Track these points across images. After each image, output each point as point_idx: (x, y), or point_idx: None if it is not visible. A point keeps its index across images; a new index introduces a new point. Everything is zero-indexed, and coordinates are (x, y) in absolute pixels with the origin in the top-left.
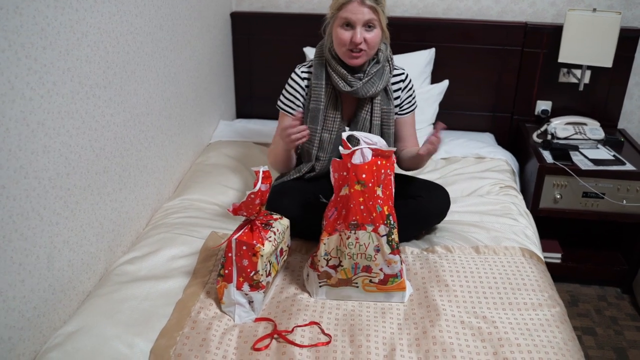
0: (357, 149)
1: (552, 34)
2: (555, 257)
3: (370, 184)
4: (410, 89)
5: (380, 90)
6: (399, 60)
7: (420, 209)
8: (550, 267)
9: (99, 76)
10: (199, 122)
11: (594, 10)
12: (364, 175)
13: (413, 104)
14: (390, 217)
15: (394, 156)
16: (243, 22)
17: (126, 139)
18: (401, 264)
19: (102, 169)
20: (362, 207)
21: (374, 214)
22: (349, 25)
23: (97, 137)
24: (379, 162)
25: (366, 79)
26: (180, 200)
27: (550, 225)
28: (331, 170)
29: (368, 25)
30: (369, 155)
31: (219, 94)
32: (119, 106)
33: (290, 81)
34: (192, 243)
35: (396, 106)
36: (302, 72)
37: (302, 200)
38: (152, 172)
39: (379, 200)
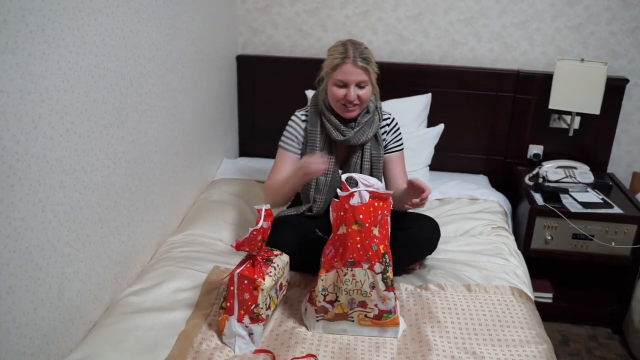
0: (354, 191)
1: (543, 82)
2: (547, 296)
3: (367, 224)
4: (396, 130)
5: (371, 137)
6: (397, 104)
7: (410, 239)
8: (542, 306)
9: (113, 116)
10: (203, 160)
11: (582, 60)
12: (361, 216)
13: (399, 144)
14: (386, 255)
15: (390, 199)
16: (248, 65)
17: (135, 175)
18: (395, 301)
19: (112, 204)
20: (358, 245)
21: (370, 253)
22: (343, 84)
23: (109, 174)
24: (375, 204)
25: (357, 128)
26: (184, 235)
27: (542, 266)
28: (331, 210)
29: (360, 85)
30: (366, 196)
31: (223, 133)
32: (130, 144)
33: (291, 123)
34: (195, 276)
35: (384, 147)
36: (301, 115)
37: (301, 235)
38: (158, 208)
39: (375, 240)
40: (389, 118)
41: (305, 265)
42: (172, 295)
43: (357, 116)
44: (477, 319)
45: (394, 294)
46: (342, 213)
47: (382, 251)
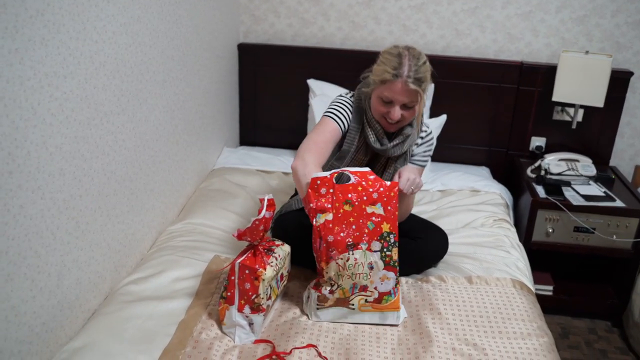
0: (334, 172)
1: (546, 74)
2: (547, 289)
3: (357, 203)
4: (430, 145)
5: (405, 151)
6: None
7: (418, 250)
8: (542, 299)
9: (113, 103)
10: (204, 149)
11: (587, 52)
12: (349, 195)
13: (425, 159)
14: (392, 235)
15: (373, 175)
16: (250, 54)
17: (135, 163)
18: (396, 281)
19: (112, 192)
20: (353, 226)
21: (366, 231)
22: (389, 101)
23: (109, 162)
24: (363, 183)
25: (397, 142)
26: (185, 224)
27: (543, 258)
28: (304, 204)
29: (407, 105)
30: (352, 178)
31: (224, 121)
32: (131, 132)
33: (341, 101)
34: (195, 266)
35: (411, 156)
36: (350, 98)
37: (304, 229)
38: (158, 196)
39: (373, 218)
40: (426, 132)
41: (307, 259)
42: (172, 285)
43: (399, 130)
44: (478, 311)
45: (395, 274)
46: (317, 201)
47: (386, 230)
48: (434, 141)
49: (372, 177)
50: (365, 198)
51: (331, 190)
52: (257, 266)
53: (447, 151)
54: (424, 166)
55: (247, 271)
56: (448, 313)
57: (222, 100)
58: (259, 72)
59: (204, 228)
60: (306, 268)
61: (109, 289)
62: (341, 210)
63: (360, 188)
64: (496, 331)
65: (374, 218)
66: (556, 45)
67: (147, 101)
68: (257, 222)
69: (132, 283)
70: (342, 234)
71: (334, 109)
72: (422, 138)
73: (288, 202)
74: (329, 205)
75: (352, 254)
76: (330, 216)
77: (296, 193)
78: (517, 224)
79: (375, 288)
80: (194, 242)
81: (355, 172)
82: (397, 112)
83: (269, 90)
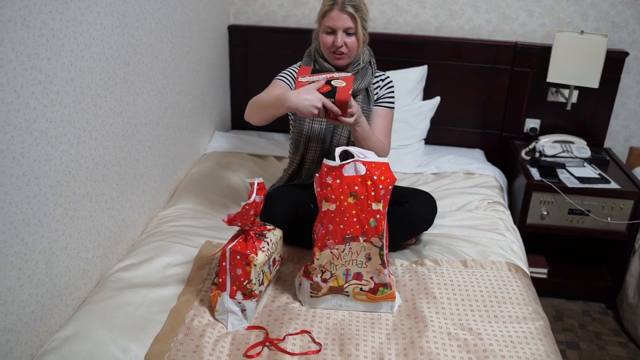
0: (346, 163)
1: (541, 54)
2: (542, 272)
3: (362, 197)
4: (390, 87)
5: (362, 89)
6: (392, 76)
7: (406, 214)
8: (536, 282)
9: (100, 87)
10: (194, 133)
11: (582, 32)
12: (356, 188)
13: (390, 102)
14: (384, 235)
15: (391, 171)
16: (240, 35)
17: (124, 148)
18: (389, 277)
19: (101, 177)
20: (355, 219)
21: (366, 227)
22: (332, 31)
23: (96, 146)
24: (374, 177)
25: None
26: (175, 209)
27: (537, 241)
28: (314, 184)
29: (348, 32)
30: (362, 169)
31: (215, 105)
32: (119, 116)
33: (289, 68)
34: (186, 251)
35: (375, 101)
36: (296, 64)
37: (294, 208)
38: (148, 181)
39: (377, 215)
40: (383, 74)
41: (299, 239)
42: (163, 271)
43: (348, 65)
44: (473, 294)
45: (388, 271)
46: (323, 189)
47: (383, 228)
48: (393, 85)
49: (384, 168)
50: (373, 194)
51: (338, 181)
52: (248, 251)
53: (440, 133)
54: (392, 108)
55: (238, 257)
56: (443, 297)
57: (212, 83)
58: (249, 55)
59: (195, 213)
60: (299, 248)
61: (99, 276)
62: (345, 203)
63: (369, 182)
64: (492, 315)
65: (377, 216)
66: (551, 25)
67: (135, 84)
68: (247, 207)
69: (122, 270)
70: (341, 226)
71: (282, 73)
72: (382, 80)
73: (277, 182)
74: (334, 197)
75: (349, 245)
76: (333, 207)
77: (288, 177)
78: (511, 207)
79: (372, 278)
80: (185, 227)
81: (340, 77)
82: (339, 37)
83: (260, 73)
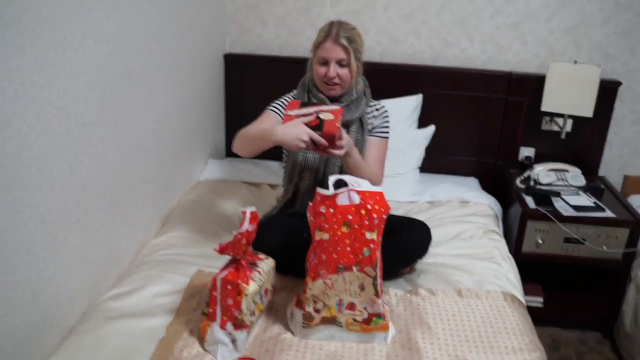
0: (340, 192)
1: (535, 84)
2: (537, 300)
3: (356, 226)
4: (385, 117)
5: (356, 119)
6: (387, 104)
7: (401, 242)
8: (532, 311)
9: (93, 114)
10: (188, 160)
11: (576, 62)
12: (350, 217)
13: (385, 132)
14: (378, 266)
15: (384, 199)
16: (236, 64)
17: (117, 175)
18: (383, 307)
19: (92, 206)
20: (348, 249)
21: (360, 256)
22: (325, 62)
23: (89, 174)
24: (369, 206)
25: (342, 105)
26: (167, 237)
27: (533, 269)
28: (307, 213)
29: (341, 63)
30: (356, 198)
31: (210, 132)
32: (112, 144)
33: (281, 98)
34: (177, 281)
35: (369, 130)
36: (290, 94)
37: (288, 237)
38: (140, 209)
39: (371, 245)
40: (378, 104)
41: (292, 268)
42: (153, 300)
43: (342, 96)
44: (468, 325)
45: (382, 301)
46: (316, 218)
47: (376, 258)
48: (388, 115)
49: (378, 197)
50: (367, 223)
51: (331, 210)
52: (239, 281)
53: (435, 162)
54: (386, 137)
55: (229, 286)
56: (438, 327)
57: (207, 111)
58: (245, 83)
59: (186, 241)
60: (292, 277)
61: (87, 305)
62: (338, 232)
63: (363, 212)
64: (487, 346)
65: (371, 245)
66: (545, 55)
67: (130, 112)
68: (239, 236)
69: (111, 299)
70: (335, 255)
71: (274, 103)
72: (377, 110)
73: (271, 211)
74: (327, 226)
75: (342, 275)
76: (326, 236)
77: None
78: (506, 235)
79: (365, 308)
80: (177, 255)
81: (328, 110)
82: (332, 68)
83: (255, 101)
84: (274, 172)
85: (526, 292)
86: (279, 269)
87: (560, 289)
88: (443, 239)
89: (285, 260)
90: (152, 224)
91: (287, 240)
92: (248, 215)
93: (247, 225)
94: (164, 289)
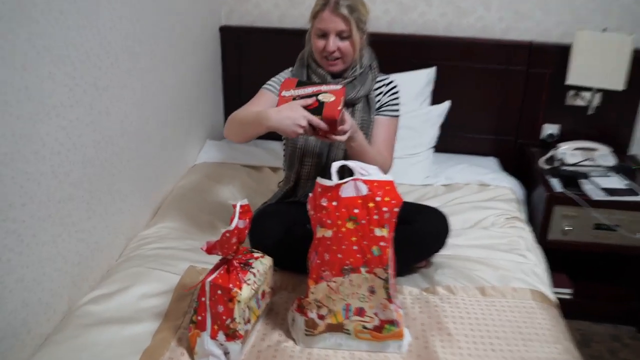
0: (344, 182)
1: (559, 54)
2: (565, 292)
3: (363, 222)
4: (395, 93)
5: (362, 97)
6: (397, 79)
7: (416, 234)
8: (560, 303)
9: (63, 95)
10: (182, 143)
11: (604, 30)
12: (356, 211)
13: (395, 110)
14: (390, 265)
15: (397, 190)
16: (233, 37)
17: (96, 162)
18: (396, 312)
19: (67, 197)
20: (355, 247)
21: (368, 256)
22: (323, 34)
23: (60, 162)
24: (377, 198)
25: (346, 81)
26: (158, 228)
27: (559, 258)
28: (308, 206)
29: (341, 35)
30: (363, 189)
31: (207, 112)
32: (88, 127)
33: (279, 75)
34: (166, 279)
35: (377, 109)
36: (288, 70)
37: (288, 227)
38: (126, 198)
39: (381, 243)
40: (387, 78)
41: (294, 263)
42: (138, 303)
43: (344, 71)
44: (494, 331)
45: (395, 305)
46: (317, 212)
47: (388, 257)
48: (399, 91)
49: (388, 187)
50: (376, 217)
51: (334, 204)
52: (230, 285)
53: (451, 140)
54: (396, 116)
55: (219, 291)
56: (459, 334)
57: (203, 88)
58: (243, 57)
59: (179, 233)
60: (294, 274)
61: (66, 308)
62: (343, 229)
63: (371, 204)
64: (517, 356)
65: (381, 243)
66: (569, 23)
67: (108, 91)
68: (228, 234)
69: (92, 302)
70: (339, 255)
71: (270, 81)
72: (385, 85)
73: (270, 200)
74: (330, 222)
75: (348, 277)
76: (329, 233)
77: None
78: (530, 221)
79: (376, 314)
80: (167, 250)
81: (328, 91)
82: (332, 41)
83: (255, 77)
84: (276, 154)
85: (553, 283)
86: (280, 264)
87: (590, 279)
88: (461, 227)
89: (286, 254)
90: (142, 214)
91: (288, 232)
92: (238, 209)
93: (237, 221)
94: (151, 289)
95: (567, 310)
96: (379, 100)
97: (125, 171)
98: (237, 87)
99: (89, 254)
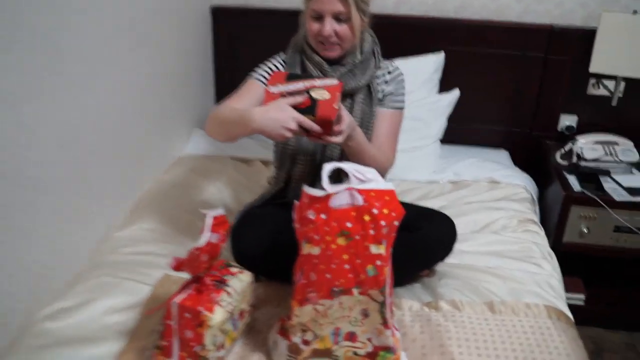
0: (336, 192)
1: (581, 39)
2: (578, 298)
3: (358, 237)
4: (399, 82)
5: (363, 86)
6: (403, 65)
7: (420, 241)
8: (571, 309)
9: (21, 85)
10: (165, 134)
11: (635, 12)
12: (349, 225)
13: (400, 102)
14: (387, 286)
15: (396, 197)
16: (225, 18)
17: (60, 160)
18: (393, 337)
19: (25, 200)
20: (346, 266)
21: (362, 276)
22: (319, 16)
23: (16, 162)
24: (374, 211)
25: (345, 69)
26: (133, 230)
27: (573, 260)
28: (293, 215)
29: (338, 18)
30: (358, 199)
31: (195, 99)
32: (49, 121)
33: (270, 61)
34: (137, 290)
35: (379, 100)
36: (281, 54)
37: (276, 232)
38: (97, 197)
39: (378, 261)
40: (391, 66)
41: (281, 273)
42: (102, 319)
43: (343, 57)
44: (504, 356)
45: (392, 330)
46: (303, 225)
47: (385, 278)
48: (404, 79)
49: (388, 198)
50: (372, 232)
51: (323, 216)
52: (200, 308)
53: (459, 132)
54: (401, 108)
55: (187, 314)
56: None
57: (191, 74)
58: (236, 40)
59: (156, 235)
60: (280, 285)
61: (21, 325)
62: (332, 246)
63: (367, 217)
64: None
65: (378, 262)
66: (594, 4)
67: (74, 79)
68: (196, 251)
69: (49, 318)
70: (328, 275)
71: (260, 69)
72: (389, 73)
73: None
74: (317, 237)
75: (338, 299)
76: (316, 250)
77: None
78: (543, 221)
79: (369, 339)
80: (142, 255)
81: (323, 86)
82: (328, 24)
83: (248, 62)
84: (268, 146)
85: (565, 288)
86: (265, 273)
87: (604, 283)
88: (469, 231)
89: (273, 263)
90: (117, 212)
91: (275, 239)
92: (209, 221)
93: (208, 235)
94: (118, 302)
95: (579, 316)
96: (382, 90)
97: (96, 166)
98: (230, 71)
99: (53, 262)
